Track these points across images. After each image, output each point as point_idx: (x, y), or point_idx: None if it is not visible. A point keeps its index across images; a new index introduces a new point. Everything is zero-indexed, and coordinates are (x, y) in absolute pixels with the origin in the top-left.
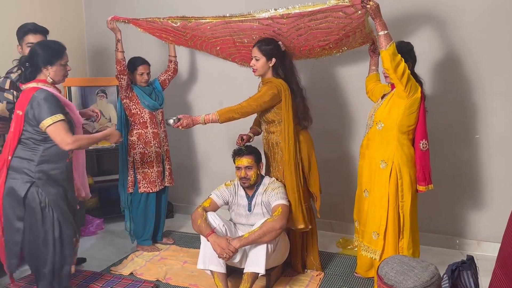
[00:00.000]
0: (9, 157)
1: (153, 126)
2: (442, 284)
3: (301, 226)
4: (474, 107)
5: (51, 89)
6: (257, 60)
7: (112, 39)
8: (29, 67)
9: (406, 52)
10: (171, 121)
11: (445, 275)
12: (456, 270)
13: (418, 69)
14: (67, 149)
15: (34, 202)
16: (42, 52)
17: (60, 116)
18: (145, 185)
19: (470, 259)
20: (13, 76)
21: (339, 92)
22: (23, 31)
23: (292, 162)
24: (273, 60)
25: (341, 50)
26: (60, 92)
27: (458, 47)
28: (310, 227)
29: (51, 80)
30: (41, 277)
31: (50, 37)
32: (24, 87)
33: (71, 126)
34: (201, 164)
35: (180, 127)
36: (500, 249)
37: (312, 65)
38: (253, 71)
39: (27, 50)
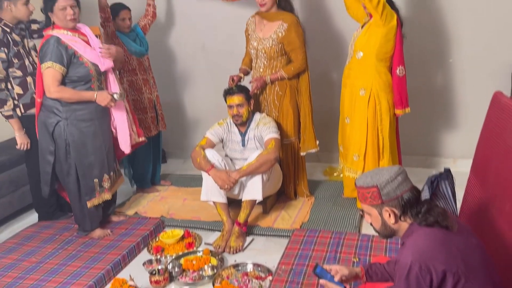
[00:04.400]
0: (39, 100)
1: (142, 72)
2: (422, 194)
3: (317, 148)
4: (447, 32)
5: (62, 35)
6: None
7: None
8: (44, 13)
9: None
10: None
11: (425, 186)
12: (435, 180)
13: None
14: (48, 96)
15: (60, 138)
16: (43, 1)
17: (49, 64)
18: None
19: (447, 170)
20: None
21: (326, 20)
22: None
23: (309, 89)
24: None
25: None
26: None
27: None
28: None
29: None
30: (72, 205)
31: None
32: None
33: (85, 74)
34: (188, 108)
35: (255, 91)
36: (473, 159)
37: None
38: (262, 6)
39: None
